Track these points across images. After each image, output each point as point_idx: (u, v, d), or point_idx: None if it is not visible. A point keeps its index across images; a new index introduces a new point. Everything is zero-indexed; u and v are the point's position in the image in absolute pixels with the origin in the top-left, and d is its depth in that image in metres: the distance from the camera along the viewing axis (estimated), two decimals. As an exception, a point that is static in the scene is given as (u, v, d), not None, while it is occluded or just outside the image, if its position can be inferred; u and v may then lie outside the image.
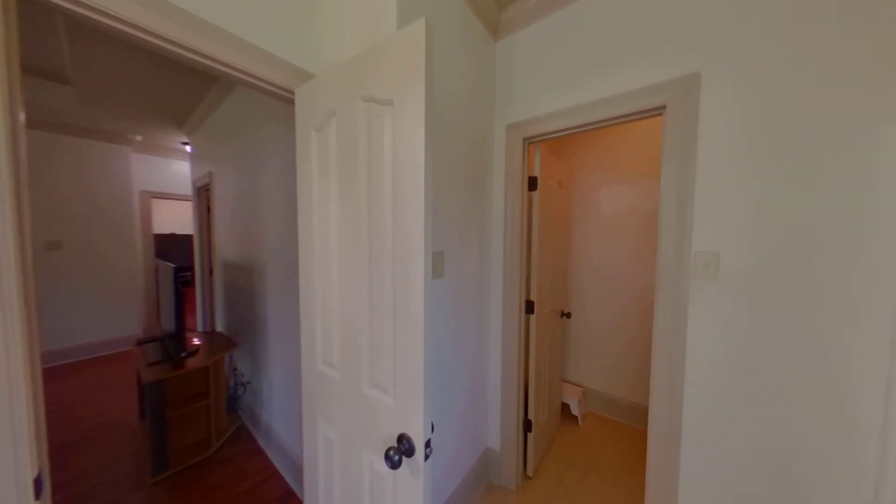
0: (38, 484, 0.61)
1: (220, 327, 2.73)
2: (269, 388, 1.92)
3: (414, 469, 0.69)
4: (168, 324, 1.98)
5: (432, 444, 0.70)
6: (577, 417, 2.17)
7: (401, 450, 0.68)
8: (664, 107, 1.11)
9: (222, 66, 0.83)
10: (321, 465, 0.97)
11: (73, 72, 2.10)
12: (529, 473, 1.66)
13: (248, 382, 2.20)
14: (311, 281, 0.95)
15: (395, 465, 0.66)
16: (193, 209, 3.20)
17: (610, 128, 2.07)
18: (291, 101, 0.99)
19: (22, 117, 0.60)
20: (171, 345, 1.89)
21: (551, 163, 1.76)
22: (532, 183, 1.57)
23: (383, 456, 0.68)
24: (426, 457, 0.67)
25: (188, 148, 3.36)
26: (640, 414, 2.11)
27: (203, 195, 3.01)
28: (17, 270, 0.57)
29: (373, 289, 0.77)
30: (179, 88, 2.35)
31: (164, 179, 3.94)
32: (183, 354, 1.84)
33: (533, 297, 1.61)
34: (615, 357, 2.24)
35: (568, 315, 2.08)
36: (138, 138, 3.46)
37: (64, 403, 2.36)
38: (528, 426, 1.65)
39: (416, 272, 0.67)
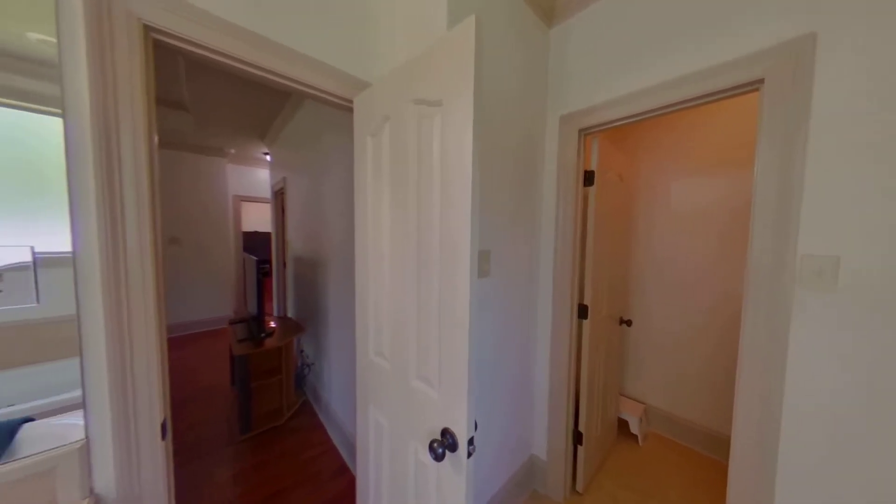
0: (163, 428, 0.77)
1: (290, 313, 3.12)
2: (329, 370, 2.13)
3: (457, 464, 0.70)
4: (252, 308, 2.33)
5: (475, 442, 0.70)
6: (636, 436, 1.96)
7: (444, 443, 0.70)
8: (761, 81, 0.93)
9: (295, 83, 0.94)
10: (371, 448, 1.05)
11: (189, 101, 2.59)
12: (579, 489, 1.56)
13: (312, 364, 2.47)
14: (365, 276, 1.03)
15: (438, 458, 0.68)
16: (271, 210, 3.70)
17: (684, 112, 1.81)
18: (351, 110, 1.08)
19: (156, 140, 0.76)
20: (254, 326, 2.22)
21: (611, 155, 1.61)
22: (588, 177, 1.46)
23: (428, 447, 0.71)
24: (469, 454, 0.68)
25: (268, 157, 3.89)
26: (715, 442, 1.82)
27: (279, 198, 3.46)
28: (153, 260, 0.73)
29: (420, 286, 0.81)
30: (262, 107, 2.73)
31: (250, 185, 4.63)
32: (262, 335, 2.15)
33: (587, 301, 1.49)
34: (686, 374, 1.96)
35: (628, 322, 1.88)
36: (232, 151, 4.12)
37: (178, 368, 2.95)
38: (578, 438, 1.55)
39: (462, 271, 0.67)
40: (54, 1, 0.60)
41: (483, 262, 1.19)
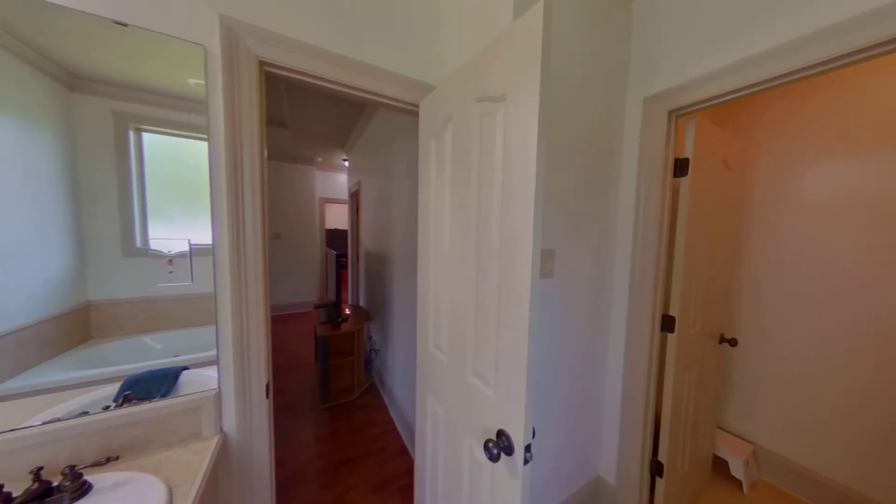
0: (267, 388, 0.95)
1: (362, 302, 3.47)
2: (394, 357, 2.31)
3: (512, 469, 0.69)
4: (331, 295, 2.68)
5: (532, 449, 0.67)
6: (739, 481, 1.61)
7: (500, 445, 0.69)
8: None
9: (370, 94, 1.03)
10: (429, 437, 1.10)
11: (289, 119, 3.09)
12: (656, 526, 1.36)
13: (379, 350, 2.71)
14: (426, 272, 1.08)
15: (493, 458, 0.68)
16: (348, 210, 4.17)
17: (828, 76, 1.38)
18: (417, 114, 1.14)
19: (265, 154, 0.93)
20: (333, 311, 2.55)
21: (714, 137, 1.34)
22: (680, 166, 1.24)
23: (483, 446, 0.71)
24: (526, 461, 0.66)
25: (346, 163, 4.38)
26: (870, 513, 1.37)
27: (354, 199, 3.87)
28: (263, 252, 0.90)
29: (479, 283, 0.81)
30: (343, 119, 3.08)
31: (333, 188, 5.30)
32: (339, 320, 2.45)
33: (673, 312, 1.28)
34: (819, 418, 1.52)
35: (731, 342, 1.54)
36: (319, 159, 4.77)
37: (275, 342, 3.57)
38: (657, 469, 1.35)
39: (523, 270, 0.65)
40: (204, 52, 0.78)
41: (546, 262, 1.12)
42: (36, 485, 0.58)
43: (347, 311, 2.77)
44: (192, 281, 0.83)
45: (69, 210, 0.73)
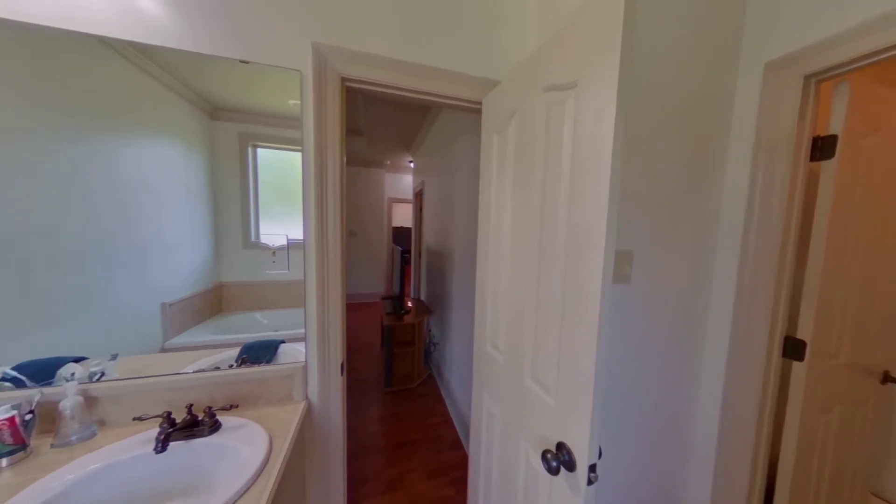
0: (342, 367, 1.08)
1: (422, 297, 3.65)
2: (451, 351, 2.37)
3: (574, 487, 0.64)
4: (395, 288, 2.89)
5: (598, 470, 0.62)
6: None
7: (559, 458, 0.65)
8: None
9: (435, 96, 1.07)
10: (483, 434, 1.10)
11: (364, 127, 3.42)
12: None
13: (437, 343, 2.81)
14: (485, 269, 1.08)
15: (551, 471, 0.64)
16: (412, 209, 4.42)
17: None
18: (480, 111, 1.14)
19: (344, 161, 1.05)
20: (397, 303, 2.74)
21: (879, 106, 1.00)
22: (822, 147, 0.96)
23: (540, 456, 0.68)
24: (590, 481, 0.61)
25: (412, 164, 4.64)
26: None
27: (418, 199, 4.08)
28: (341, 246, 1.02)
29: (541, 284, 0.77)
30: (409, 122, 3.27)
31: (399, 188, 5.68)
32: (402, 312, 2.63)
33: (803, 335, 1.00)
34: None
35: (899, 381, 1.14)
36: (388, 162, 5.16)
37: (347, 327, 4.00)
38: (766, 525, 1.08)
39: (593, 272, 0.59)
40: (300, 76, 0.92)
41: (622, 265, 1.00)
42: (188, 416, 0.78)
43: (409, 304, 2.95)
44: (289, 269, 1.00)
45: (209, 212, 0.95)
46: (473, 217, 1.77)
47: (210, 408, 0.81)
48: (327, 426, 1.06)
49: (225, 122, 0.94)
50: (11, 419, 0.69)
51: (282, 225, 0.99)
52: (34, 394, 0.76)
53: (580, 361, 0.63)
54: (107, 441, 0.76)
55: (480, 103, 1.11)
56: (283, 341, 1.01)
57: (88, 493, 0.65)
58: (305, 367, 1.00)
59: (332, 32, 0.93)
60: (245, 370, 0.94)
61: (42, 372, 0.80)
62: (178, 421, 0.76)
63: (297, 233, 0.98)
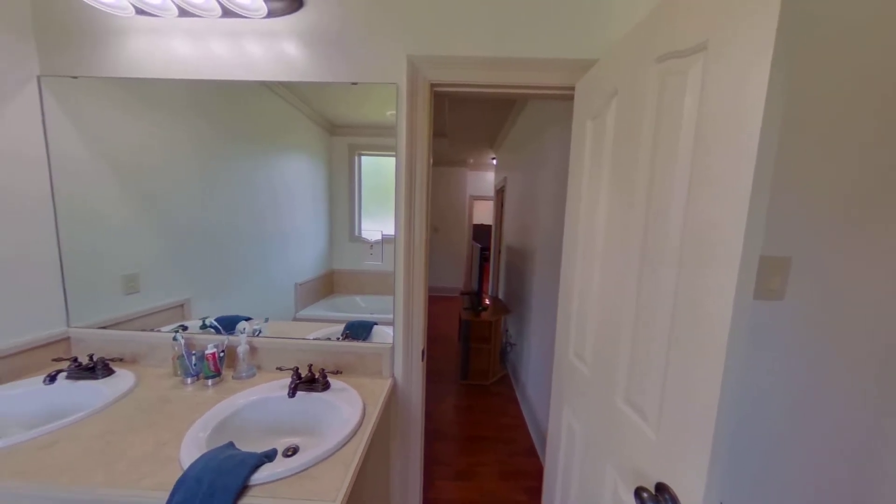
0: (423, 353, 1.17)
1: (500, 295, 3.60)
2: (528, 354, 2.27)
3: (676, 534, 0.53)
4: (474, 285, 2.93)
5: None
6: None
7: (658, 501, 0.55)
8: None
9: (524, 88, 1.03)
10: (562, 450, 1.02)
11: (448, 128, 3.58)
12: None
13: (514, 344, 2.74)
14: (571, 271, 0.99)
15: (646, 508, 0.55)
16: (494, 206, 4.39)
17: None
18: (572, 97, 1.04)
19: (430, 162, 1.12)
20: (475, 300, 2.79)
21: None
22: None
23: (633, 493, 0.59)
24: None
25: (494, 161, 4.60)
26: None
27: (499, 195, 4.02)
28: (425, 241, 1.10)
29: (641, 291, 0.66)
30: (494, 119, 3.24)
31: (481, 186, 5.72)
32: (480, 308, 2.66)
33: None
34: None
35: None
36: (471, 160, 5.26)
37: (428, 316, 4.28)
38: None
39: (720, 282, 0.47)
40: (396, 88, 1.03)
41: (770, 276, 0.77)
42: (309, 374, 0.98)
43: (487, 302, 2.96)
44: (382, 262, 1.14)
45: (326, 211, 1.16)
46: (559, 213, 1.64)
47: (323, 370, 1.00)
48: (408, 404, 1.17)
49: (339, 136, 1.13)
50: (214, 354, 1.01)
51: (377, 222, 1.14)
52: (224, 339, 1.09)
53: (696, 394, 0.51)
54: (261, 381, 1.03)
55: (573, 89, 1.01)
56: (376, 323, 1.16)
57: (251, 414, 0.90)
58: (393, 349, 1.13)
59: (424, 42, 1.00)
60: (348, 343, 1.12)
61: (228, 325, 1.14)
62: (302, 376, 0.97)
63: (389, 229, 1.10)
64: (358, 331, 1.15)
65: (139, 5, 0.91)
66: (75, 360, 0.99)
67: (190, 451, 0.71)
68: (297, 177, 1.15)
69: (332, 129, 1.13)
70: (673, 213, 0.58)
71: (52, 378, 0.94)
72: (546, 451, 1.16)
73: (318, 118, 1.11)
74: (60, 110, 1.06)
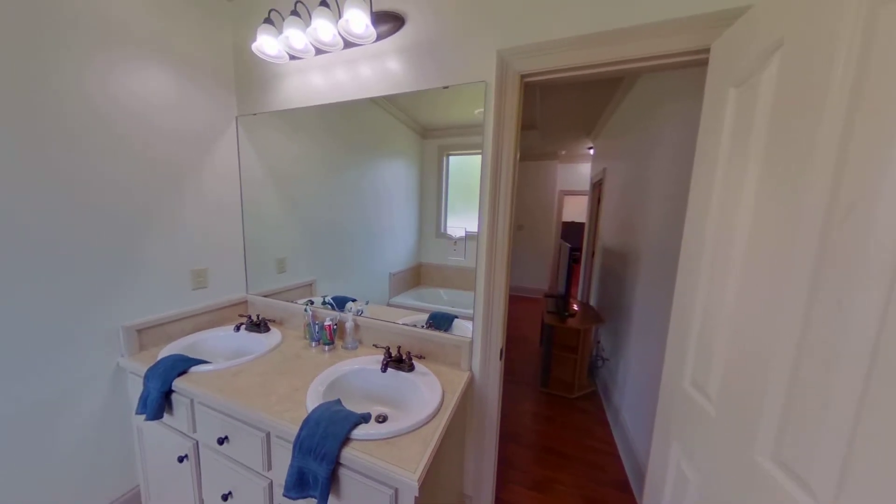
0: (501, 352, 1.15)
1: (592, 301, 3.21)
2: (625, 373, 1.96)
3: None
4: (560, 287, 2.70)
5: None
6: None
7: None
8: None
9: (637, 62, 0.87)
10: (667, 497, 0.85)
11: (539, 120, 3.37)
12: None
13: (607, 359, 2.40)
14: (693, 277, 0.80)
15: None
16: (588, 202, 3.92)
17: None
18: (701, 64, 0.83)
19: (517, 157, 1.08)
20: (560, 303, 2.57)
21: None
22: None
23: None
24: None
25: (591, 151, 4.09)
26: None
27: (596, 189, 3.56)
28: (508, 239, 1.07)
29: (813, 319, 0.48)
30: (592, 105, 2.88)
31: (573, 179, 5.20)
32: (566, 314, 2.43)
33: None
34: None
35: None
36: (563, 152, 4.82)
37: (508, 315, 4.17)
38: None
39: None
40: (485, 86, 1.03)
41: None
42: (398, 354, 1.11)
43: (575, 307, 2.68)
44: (464, 257, 1.17)
45: (416, 209, 1.27)
46: (677, 209, 1.35)
47: (409, 353, 1.11)
48: (484, 400, 1.18)
49: (431, 139, 1.21)
50: (330, 326, 1.25)
51: (461, 219, 1.17)
52: (337, 315, 1.34)
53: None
54: (361, 353, 1.22)
55: (704, 52, 0.80)
56: (456, 316, 1.20)
57: (352, 379, 1.07)
58: (472, 343, 1.15)
59: (514, 33, 0.97)
60: (431, 332, 1.21)
61: (340, 303, 1.39)
62: (392, 355, 1.10)
63: (472, 226, 1.12)
64: (440, 321, 1.23)
65: (291, 52, 1.19)
66: (249, 317, 1.39)
67: (312, 399, 0.90)
68: (394, 179, 1.29)
69: (425, 132, 1.21)
70: (883, 212, 0.39)
71: (237, 328, 1.35)
72: (644, 491, 0.98)
73: (413, 124, 1.22)
74: (246, 138, 1.48)
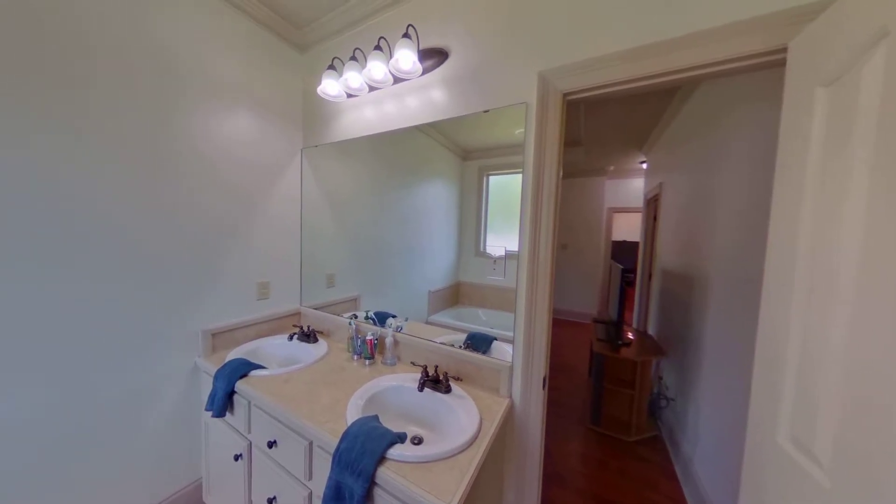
0: (544, 381, 1.07)
1: (650, 330, 2.85)
2: (696, 418, 1.67)
3: None
4: (612, 313, 2.46)
5: None
6: None
7: None
8: None
9: (697, 69, 0.81)
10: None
11: (584, 136, 3.26)
12: None
13: (672, 399, 2.08)
14: (783, 308, 0.67)
15: None
16: (642, 219, 3.60)
17: None
18: (778, 64, 0.74)
19: (560, 174, 1.05)
20: (612, 331, 2.33)
21: None
22: None
23: None
24: None
25: (644, 165, 3.81)
26: None
27: (651, 205, 3.26)
28: (551, 259, 1.03)
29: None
30: (644, 117, 2.72)
31: (624, 196, 4.85)
32: (620, 342, 2.19)
33: None
34: None
35: None
36: (611, 168, 4.56)
37: (552, 341, 3.88)
38: None
39: None
40: (525, 107, 1.04)
41: None
42: (434, 374, 1.09)
43: (630, 336, 2.41)
44: (504, 277, 1.14)
45: (456, 228, 1.29)
46: (750, 225, 1.18)
47: (447, 374, 1.09)
48: (525, 432, 1.09)
49: (471, 161, 1.24)
50: (371, 341, 1.29)
51: (502, 238, 1.16)
52: (378, 330, 1.38)
53: None
54: (399, 370, 1.23)
55: (782, 51, 0.72)
56: (496, 338, 1.16)
57: (390, 396, 1.08)
58: (511, 368, 1.09)
59: (555, 54, 0.98)
60: (469, 353, 1.18)
61: (381, 318, 1.44)
62: (429, 374, 1.09)
63: (513, 245, 1.10)
64: (478, 343, 1.19)
65: (348, 91, 1.35)
66: (301, 328, 1.50)
67: (352, 412, 0.93)
68: (435, 200, 1.34)
69: (465, 154, 1.25)
70: None
71: (290, 337, 1.47)
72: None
73: (454, 147, 1.27)
74: (308, 166, 1.68)
